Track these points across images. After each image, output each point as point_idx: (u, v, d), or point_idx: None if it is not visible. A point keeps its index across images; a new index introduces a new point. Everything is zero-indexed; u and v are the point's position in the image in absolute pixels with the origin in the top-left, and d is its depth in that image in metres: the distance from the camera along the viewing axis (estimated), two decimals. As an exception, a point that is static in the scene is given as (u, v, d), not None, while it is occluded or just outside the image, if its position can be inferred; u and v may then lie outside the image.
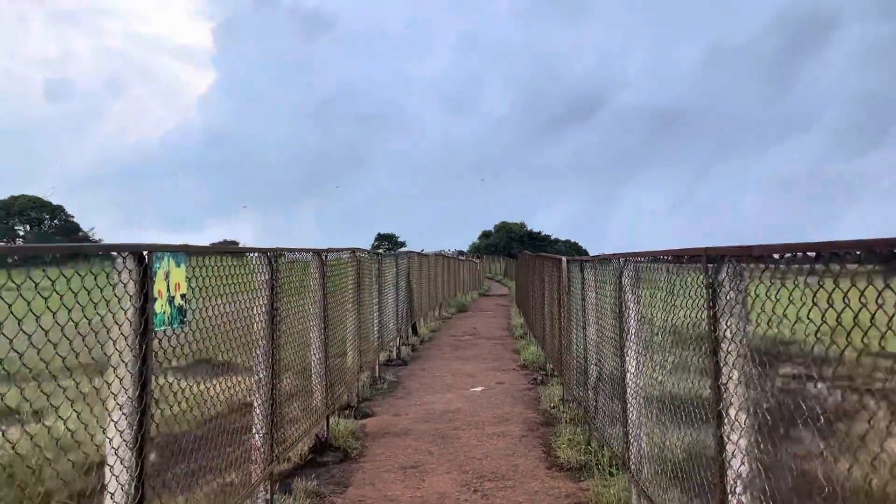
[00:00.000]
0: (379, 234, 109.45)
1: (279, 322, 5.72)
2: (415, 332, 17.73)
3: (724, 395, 3.28)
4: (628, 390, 5.49)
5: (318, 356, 7.40)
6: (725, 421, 3.27)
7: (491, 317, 26.33)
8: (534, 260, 14.82)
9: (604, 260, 6.27)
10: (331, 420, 8.18)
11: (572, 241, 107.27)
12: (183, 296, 3.72)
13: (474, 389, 11.44)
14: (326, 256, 7.48)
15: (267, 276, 5.45)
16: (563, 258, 9.08)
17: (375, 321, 11.80)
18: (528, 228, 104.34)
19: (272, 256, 5.49)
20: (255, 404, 5.40)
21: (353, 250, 9.69)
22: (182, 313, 3.71)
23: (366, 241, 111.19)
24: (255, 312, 5.36)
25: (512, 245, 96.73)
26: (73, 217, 72.98)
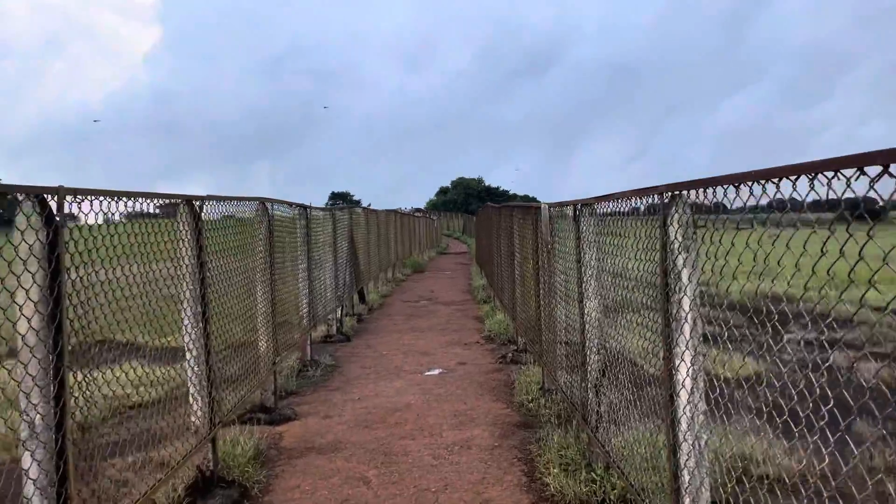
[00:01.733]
0: (333, 193, 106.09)
1: (80, 306, 3.31)
2: (362, 299, 15.38)
3: None
4: (681, 410, 3.25)
5: (194, 352, 5.01)
6: None
7: (449, 277, 24.10)
8: (499, 213, 12.53)
9: (624, 199, 3.95)
10: (225, 439, 5.83)
11: (531, 195, 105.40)
12: None
13: (430, 373, 9.19)
14: (201, 206, 5.01)
15: (41, 238, 3.00)
16: (544, 204, 6.78)
17: (304, 291, 9.40)
18: (486, 184, 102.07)
19: (51, 202, 3.04)
20: (28, 445, 2.99)
21: (263, 201, 7.23)
22: None
23: (320, 201, 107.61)
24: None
25: (470, 201, 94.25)
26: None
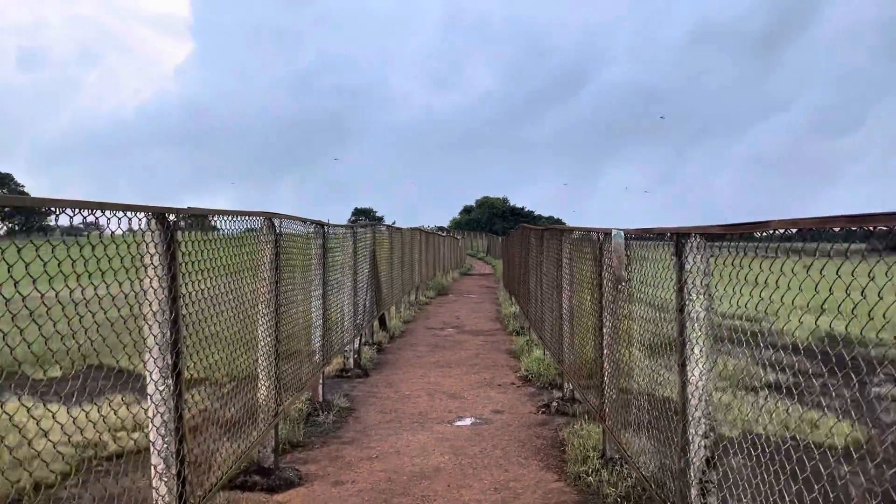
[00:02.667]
0: (356, 209, 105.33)
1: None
2: (383, 326, 14.05)
3: None
4: None
5: (159, 419, 3.70)
6: None
7: (476, 302, 22.71)
8: (540, 237, 11.15)
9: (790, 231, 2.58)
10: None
11: (555, 217, 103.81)
12: None
13: (461, 423, 7.80)
14: (172, 223, 3.69)
15: None
16: (617, 230, 5.41)
17: (318, 321, 8.09)
18: (512, 204, 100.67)
19: None
20: None
21: (270, 216, 5.94)
22: None
23: (344, 216, 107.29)
24: None
25: (494, 221, 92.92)
26: (22, 186, 67.24)
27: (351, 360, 10.51)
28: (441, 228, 69.66)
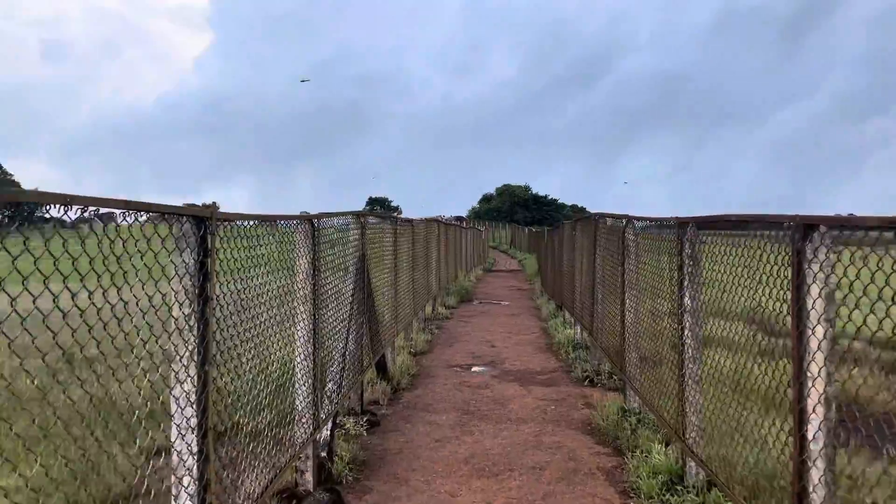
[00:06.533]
0: (371, 199, 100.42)
1: None
2: (382, 371, 9.15)
3: None
4: None
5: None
6: None
7: (511, 314, 17.75)
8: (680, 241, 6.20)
9: None
10: None
11: (579, 205, 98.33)
12: None
13: None
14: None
15: None
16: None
17: (185, 444, 3.21)
18: (534, 192, 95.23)
19: None
20: None
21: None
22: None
23: (358, 205, 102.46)
24: None
25: (516, 210, 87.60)
26: (11, 176, 62.47)
27: (309, 470, 5.63)
28: (458, 218, 64.41)
